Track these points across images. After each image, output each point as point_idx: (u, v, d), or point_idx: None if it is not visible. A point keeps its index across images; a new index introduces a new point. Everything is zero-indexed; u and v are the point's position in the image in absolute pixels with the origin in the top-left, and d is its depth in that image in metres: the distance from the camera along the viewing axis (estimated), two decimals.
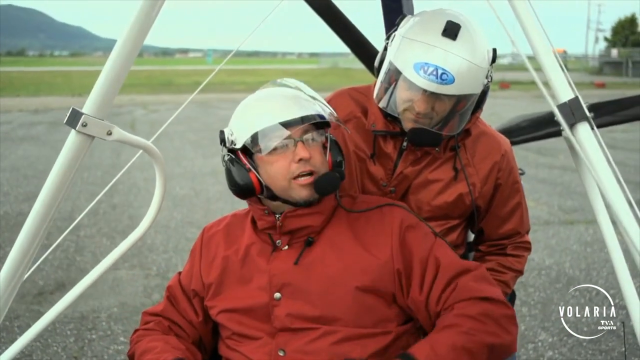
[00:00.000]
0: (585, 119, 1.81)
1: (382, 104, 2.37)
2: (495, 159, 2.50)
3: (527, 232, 2.66)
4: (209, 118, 21.21)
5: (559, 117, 1.82)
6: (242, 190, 2.12)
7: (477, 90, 2.31)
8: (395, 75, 2.31)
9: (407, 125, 2.37)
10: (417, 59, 2.24)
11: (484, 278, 2.10)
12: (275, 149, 2.06)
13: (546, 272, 6.43)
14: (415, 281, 2.07)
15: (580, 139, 1.83)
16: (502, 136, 2.64)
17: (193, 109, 23.50)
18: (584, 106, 1.81)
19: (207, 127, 18.50)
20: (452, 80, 2.21)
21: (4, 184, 10.60)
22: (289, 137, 2.06)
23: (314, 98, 2.16)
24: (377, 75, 2.42)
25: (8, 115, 21.76)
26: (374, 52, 3.52)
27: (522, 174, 3.55)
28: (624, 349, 2.10)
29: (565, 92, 1.83)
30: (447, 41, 2.23)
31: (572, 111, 1.81)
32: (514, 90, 36.00)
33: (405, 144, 2.45)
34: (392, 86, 2.33)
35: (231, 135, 2.14)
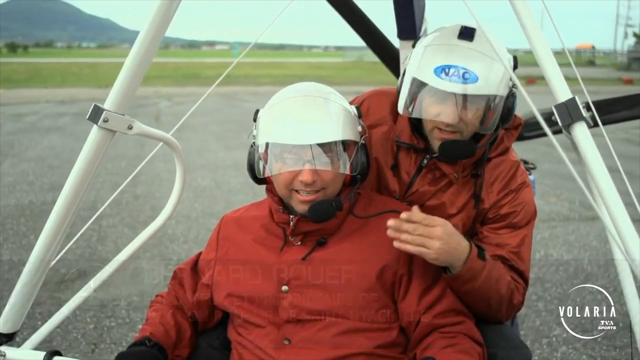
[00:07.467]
0: (582, 118, 1.85)
1: (405, 113, 2.28)
2: (510, 188, 2.37)
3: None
4: (233, 110, 21.30)
5: (556, 116, 1.86)
6: (255, 177, 2.21)
7: (502, 91, 2.20)
8: (417, 89, 2.22)
9: (437, 143, 2.29)
10: (437, 63, 2.15)
11: (475, 331, 2.14)
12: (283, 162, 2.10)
13: (564, 268, 6.41)
14: (414, 292, 2.12)
15: (576, 138, 1.87)
16: (522, 168, 2.47)
17: (218, 101, 23.59)
18: (581, 106, 1.84)
19: (230, 120, 18.57)
20: (476, 79, 2.11)
21: (30, 174, 10.72)
22: (296, 155, 2.07)
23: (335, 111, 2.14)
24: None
25: (35, 106, 21.95)
26: (392, 49, 3.55)
27: (534, 168, 3.58)
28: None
29: (562, 92, 1.87)
30: (464, 42, 2.17)
31: (568, 111, 1.85)
32: (540, 85, 35.72)
33: (425, 161, 2.38)
34: (416, 102, 2.24)
35: (255, 130, 2.19)
